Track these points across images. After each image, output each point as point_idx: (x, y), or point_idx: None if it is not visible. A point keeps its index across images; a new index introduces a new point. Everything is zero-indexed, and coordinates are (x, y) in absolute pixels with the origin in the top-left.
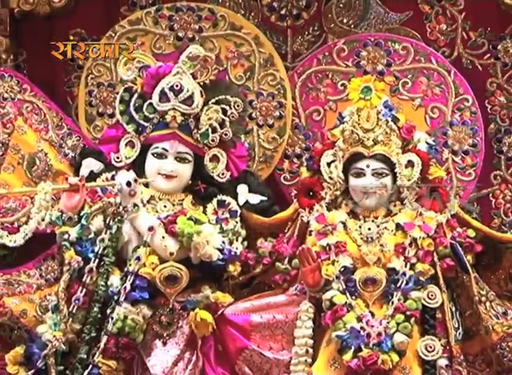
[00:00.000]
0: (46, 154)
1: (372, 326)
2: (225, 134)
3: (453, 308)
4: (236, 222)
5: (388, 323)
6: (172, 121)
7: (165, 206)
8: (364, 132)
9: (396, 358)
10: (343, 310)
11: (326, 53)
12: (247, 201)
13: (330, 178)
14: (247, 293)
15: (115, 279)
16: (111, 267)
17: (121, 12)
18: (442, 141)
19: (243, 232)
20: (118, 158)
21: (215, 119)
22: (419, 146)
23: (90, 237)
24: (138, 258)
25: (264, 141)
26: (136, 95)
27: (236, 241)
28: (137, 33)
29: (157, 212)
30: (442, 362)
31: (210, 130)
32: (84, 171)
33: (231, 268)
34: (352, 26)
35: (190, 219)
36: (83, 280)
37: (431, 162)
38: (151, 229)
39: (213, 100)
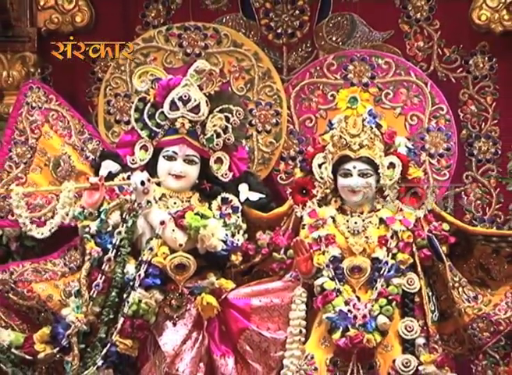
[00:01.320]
0: (69, 156)
1: (358, 309)
2: (228, 139)
3: (430, 293)
4: (238, 217)
5: (372, 306)
6: (181, 127)
7: (174, 203)
8: (351, 137)
9: (379, 337)
10: (332, 295)
11: (317, 67)
12: (247, 199)
13: (321, 178)
14: (247, 279)
15: (130, 267)
16: (127, 257)
17: (136, 31)
18: (420, 145)
19: (244, 226)
20: (133, 160)
21: (219, 125)
22: (399, 150)
23: (108, 230)
24: (151, 249)
25: (263, 145)
26: (149, 105)
27: (238, 233)
28: (150, 49)
29: (168, 208)
30: (420, 340)
31: (215, 136)
32: (103, 172)
33: (233, 257)
34: (340, 43)
35: (197, 214)
36: (103, 268)
37: (410, 163)
38: (162, 223)
39: (217, 109)
